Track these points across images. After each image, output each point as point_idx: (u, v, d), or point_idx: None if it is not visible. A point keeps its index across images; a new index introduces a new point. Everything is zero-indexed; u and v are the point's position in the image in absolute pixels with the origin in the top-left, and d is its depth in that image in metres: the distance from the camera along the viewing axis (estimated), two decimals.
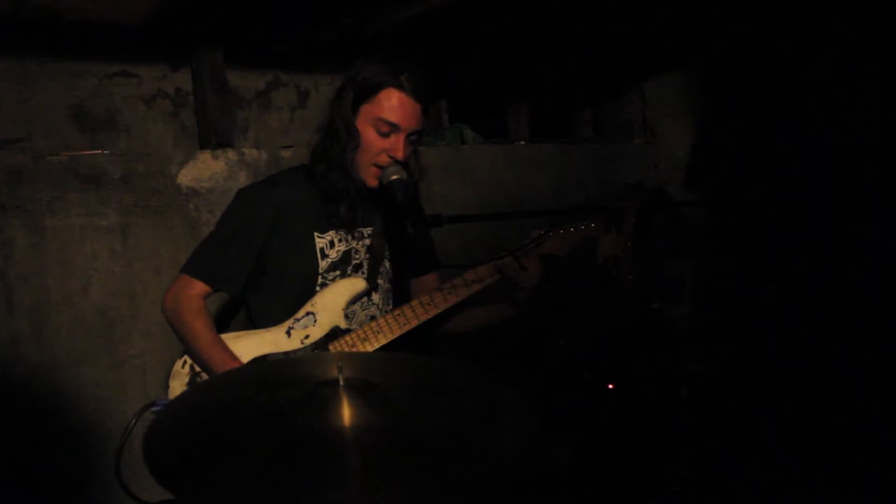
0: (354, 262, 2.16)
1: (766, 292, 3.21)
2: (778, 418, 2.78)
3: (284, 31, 3.38)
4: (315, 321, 2.08)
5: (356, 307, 2.16)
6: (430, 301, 2.12)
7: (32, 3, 2.74)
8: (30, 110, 3.10)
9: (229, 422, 1.20)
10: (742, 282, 3.54)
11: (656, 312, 2.47)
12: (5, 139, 3.01)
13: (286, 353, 2.06)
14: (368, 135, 2.02)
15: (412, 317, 2.12)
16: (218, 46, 3.18)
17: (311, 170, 2.11)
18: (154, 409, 1.72)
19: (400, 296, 2.30)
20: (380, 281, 2.21)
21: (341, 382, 1.20)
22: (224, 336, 2.07)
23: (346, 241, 2.14)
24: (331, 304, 2.09)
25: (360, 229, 2.16)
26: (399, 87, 1.99)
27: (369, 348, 2.09)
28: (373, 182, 2.05)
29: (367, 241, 2.18)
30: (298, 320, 2.09)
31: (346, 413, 1.19)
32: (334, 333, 2.09)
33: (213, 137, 3.11)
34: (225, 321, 2.59)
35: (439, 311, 2.14)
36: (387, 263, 2.24)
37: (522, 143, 3.97)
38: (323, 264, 2.11)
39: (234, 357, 2.01)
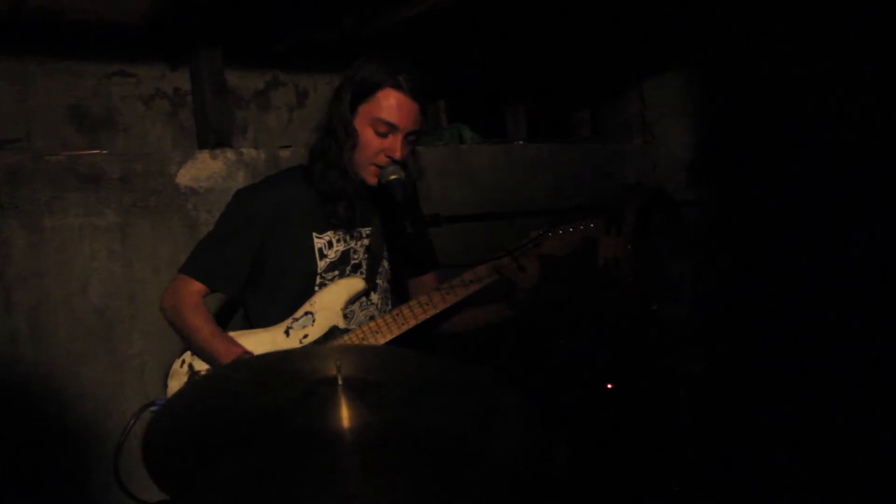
0: (353, 262, 2.15)
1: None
2: (778, 418, 2.78)
3: (283, 31, 3.38)
4: (314, 321, 2.08)
5: (355, 307, 2.16)
6: (428, 301, 2.12)
7: (32, 3, 2.73)
8: (28, 110, 3.10)
9: (227, 422, 1.19)
10: (742, 282, 3.53)
11: (656, 313, 2.46)
12: (4, 139, 3.01)
13: None
14: (366, 135, 2.01)
15: (411, 317, 2.11)
16: (217, 46, 3.18)
17: (309, 170, 2.11)
18: (153, 408, 1.72)
19: (398, 296, 2.30)
20: (378, 281, 2.21)
21: (340, 382, 1.20)
22: None
23: (345, 241, 2.14)
24: (329, 303, 2.09)
25: (358, 229, 2.15)
26: (397, 87, 1.99)
27: None
28: (371, 181, 2.04)
29: (366, 242, 2.17)
30: (297, 320, 2.08)
31: (345, 413, 1.18)
32: (333, 333, 2.09)
33: (212, 137, 3.11)
34: (223, 321, 2.58)
35: (438, 312, 2.13)
36: (385, 263, 2.23)
37: (521, 143, 3.96)
38: (321, 264, 2.11)
39: (236, 344, 2.00)
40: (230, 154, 2.96)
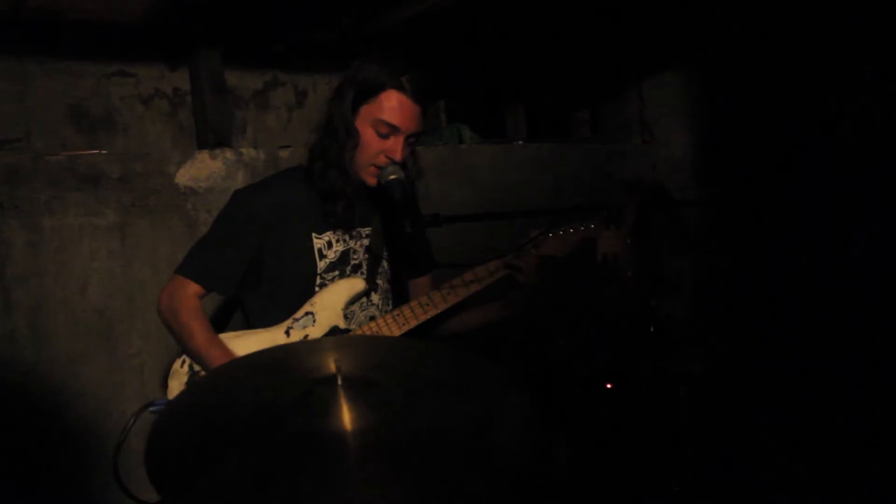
0: (353, 262, 2.15)
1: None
2: (778, 418, 2.78)
3: (283, 31, 3.37)
4: (314, 321, 2.08)
5: (355, 307, 2.15)
6: (429, 301, 2.12)
7: (31, 2, 2.73)
8: (28, 110, 3.09)
9: (227, 422, 1.19)
10: (742, 282, 3.53)
11: (654, 310, 2.46)
12: (4, 139, 3.01)
13: None
14: (367, 135, 2.01)
15: (411, 317, 2.11)
16: (216, 46, 3.18)
17: (308, 170, 2.10)
18: (153, 408, 1.72)
19: (399, 296, 2.30)
20: (379, 281, 2.21)
21: (339, 381, 1.20)
22: (222, 336, 2.06)
23: (344, 241, 2.13)
24: (330, 304, 2.09)
25: (358, 229, 2.15)
26: (400, 88, 1.98)
27: None
28: (371, 182, 2.04)
29: (366, 242, 2.17)
30: (297, 320, 2.08)
31: (345, 413, 1.18)
32: (333, 333, 2.08)
33: (211, 137, 3.11)
34: (222, 321, 2.58)
35: (438, 312, 2.13)
36: (385, 264, 2.23)
37: (521, 142, 3.96)
38: (321, 264, 2.11)
39: (231, 354, 2.00)
40: (229, 154, 2.96)
